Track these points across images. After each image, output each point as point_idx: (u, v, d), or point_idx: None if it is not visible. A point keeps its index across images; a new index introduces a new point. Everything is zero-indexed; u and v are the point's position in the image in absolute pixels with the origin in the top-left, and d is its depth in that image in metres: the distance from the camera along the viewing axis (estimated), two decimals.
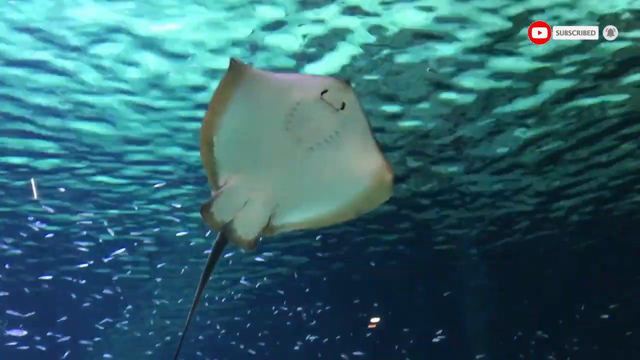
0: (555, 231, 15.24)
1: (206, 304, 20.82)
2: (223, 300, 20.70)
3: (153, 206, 12.73)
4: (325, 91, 2.70)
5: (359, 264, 17.80)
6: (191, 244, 14.76)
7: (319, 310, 22.76)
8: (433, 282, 20.60)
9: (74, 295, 18.51)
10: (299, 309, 22.30)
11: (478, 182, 11.85)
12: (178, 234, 14.09)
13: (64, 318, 19.08)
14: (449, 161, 10.78)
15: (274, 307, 21.95)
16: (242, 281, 17.85)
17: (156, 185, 11.29)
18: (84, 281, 17.38)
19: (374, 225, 14.41)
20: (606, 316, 22.36)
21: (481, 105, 8.81)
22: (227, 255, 15.42)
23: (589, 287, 21.11)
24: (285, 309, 21.97)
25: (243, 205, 3.08)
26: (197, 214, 12.80)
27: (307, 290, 19.97)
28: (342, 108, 2.73)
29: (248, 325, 24.79)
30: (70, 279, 17.14)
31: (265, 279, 18.91)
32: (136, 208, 12.65)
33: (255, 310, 23.21)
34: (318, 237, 15.03)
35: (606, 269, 18.82)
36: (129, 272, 17.43)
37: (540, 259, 17.91)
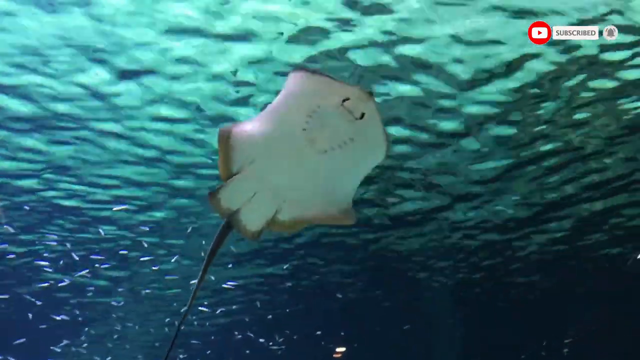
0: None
1: (166, 329, 20.60)
2: (183, 328, 20.42)
3: (119, 232, 12.72)
4: (347, 99, 2.80)
5: (326, 295, 17.99)
6: (154, 268, 14.77)
7: (282, 339, 22.72)
8: (400, 314, 20.90)
9: (30, 316, 18.14)
10: (261, 340, 22.15)
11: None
12: (142, 259, 14.08)
13: (21, 340, 18.62)
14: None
15: (237, 332, 21.78)
16: (202, 307, 17.76)
17: (115, 209, 11.29)
18: (40, 302, 17.07)
19: (341, 254, 14.66)
20: (566, 350, 22.99)
21: None
22: (193, 282, 15.46)
23: (551, 326, 21.85)
24: (251, 336, 21.83)
25: (252, 196, 3.19)
26: (164, 240, 13.08)
27: (269, 317, 19.94)
28: (361, 117, 2.83)
29: (208, 352, 24.52)
30: (29, 299, 16.83)
31: (234, 306, 18.83)
32: (103, 233, 12.65)
33: (218, 338, 23.01)
34: (286, 267, 15.18)
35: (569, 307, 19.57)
36: (90, 294, 17.24)
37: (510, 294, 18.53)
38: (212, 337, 22.92)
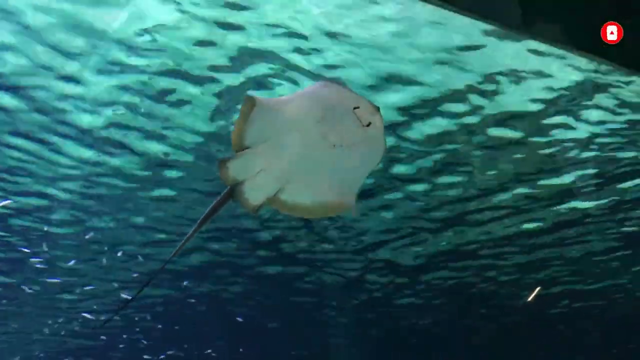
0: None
1: (46, 330, 19.60)
2: (63, 333, 19.66)
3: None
4: (358, 107, 3.17)
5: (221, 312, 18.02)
6: (38, 266, 13.89)
7: (172, 351, 22.41)
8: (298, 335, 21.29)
9: None
10: (146, 356, 21.72)
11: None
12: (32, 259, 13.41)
13: None
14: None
15: (125, 336, 21.17)
16: (85, 314, 17.24)
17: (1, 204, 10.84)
18: None
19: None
20: None
21: None
22: (87, 288, 15.06)
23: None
24: (141, 344, 21.35)
25: (257, 172, 3.42)
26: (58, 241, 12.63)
27: (159, 327, 19.61)
28: (368, 126, 3.20)
29: None
30: None
31: (138, 317, 18.43)
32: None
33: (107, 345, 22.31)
34: (185, 283, 15.16)
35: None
36: None
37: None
38: (103, 342, 22.21)
